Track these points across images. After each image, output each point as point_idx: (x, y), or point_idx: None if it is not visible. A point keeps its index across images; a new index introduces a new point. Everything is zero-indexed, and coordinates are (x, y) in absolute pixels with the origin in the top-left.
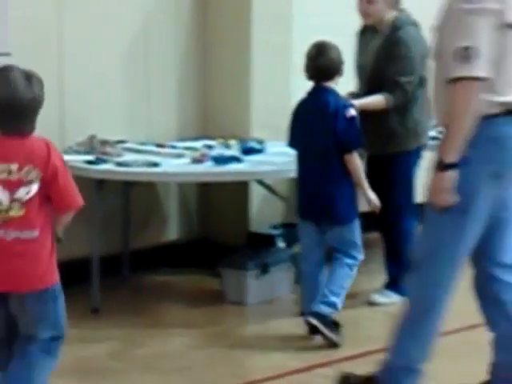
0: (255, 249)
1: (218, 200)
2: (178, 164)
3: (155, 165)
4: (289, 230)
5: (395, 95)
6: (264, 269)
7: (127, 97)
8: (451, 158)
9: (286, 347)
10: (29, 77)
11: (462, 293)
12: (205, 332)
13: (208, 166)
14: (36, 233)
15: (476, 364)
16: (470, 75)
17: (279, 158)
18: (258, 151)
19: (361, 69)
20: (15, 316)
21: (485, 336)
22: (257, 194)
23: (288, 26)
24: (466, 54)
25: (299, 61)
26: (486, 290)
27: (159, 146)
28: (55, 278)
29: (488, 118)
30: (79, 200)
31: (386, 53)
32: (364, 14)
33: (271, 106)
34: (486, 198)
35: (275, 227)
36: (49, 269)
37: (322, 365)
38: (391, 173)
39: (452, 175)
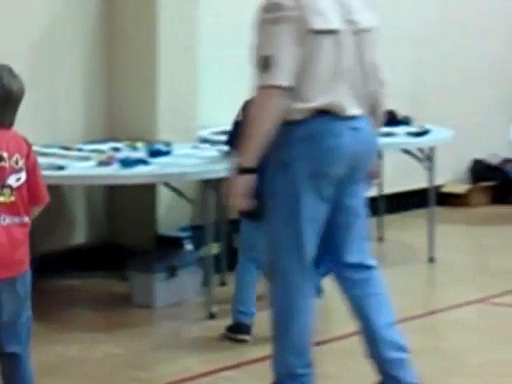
0: (163, 251)
1: (126, 203)
2: (84, 167)
3: (60, 168)
4: (197, 233)
5: None
6: (172, 272)
7: (31, 98)
8: (247, 162)
9: (194, 350)
10: (10, 70)
11: None
12: (112, 336)
13: (115, 169)
14: (27, 219)
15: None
16: (268, 84)
17: (187, 160)
18: (165, 153)
19: None
20: (4, 304)
21: None
22: (164, 196)
23: (195, 26)
24: (265, 64)
25: (206, 62)
26: (342, 292)
27: (65, 148)
28: None
29: (297, 121)
30: (48, 197)
31: None
32: None
33: (178, 108)
34: (315, 198)
35: (183, 230)
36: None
37: (230, 367)
38: None
39: (247, 179)
